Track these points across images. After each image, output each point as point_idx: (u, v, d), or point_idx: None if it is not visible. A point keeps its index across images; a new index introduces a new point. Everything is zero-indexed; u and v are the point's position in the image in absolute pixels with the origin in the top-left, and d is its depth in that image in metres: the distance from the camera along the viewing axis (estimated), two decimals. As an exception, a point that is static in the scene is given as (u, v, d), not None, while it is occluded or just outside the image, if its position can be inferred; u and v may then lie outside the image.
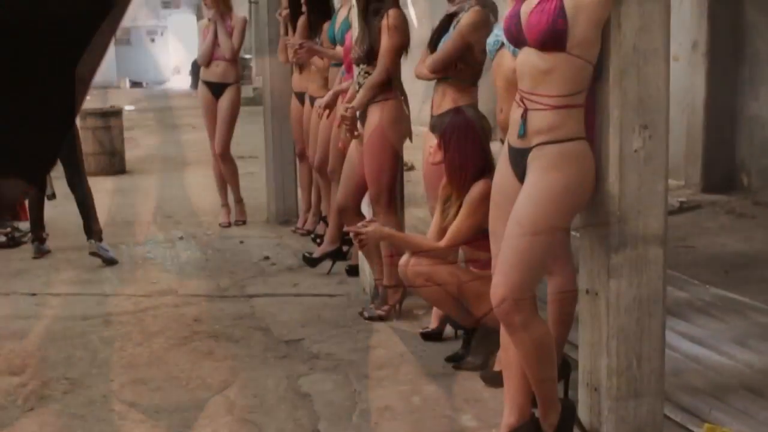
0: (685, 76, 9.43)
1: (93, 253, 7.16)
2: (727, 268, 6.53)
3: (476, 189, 4.43)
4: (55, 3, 1.08)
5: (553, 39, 3.23)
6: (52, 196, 7.89)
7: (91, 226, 7.24)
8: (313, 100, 7.15)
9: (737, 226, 7.94)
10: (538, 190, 3.28)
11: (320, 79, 7.20)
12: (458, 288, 4.57)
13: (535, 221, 3.27)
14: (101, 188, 10.53)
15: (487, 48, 4.25)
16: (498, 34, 4.03)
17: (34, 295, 6.43)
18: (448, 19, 4.97)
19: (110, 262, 7.17)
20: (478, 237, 4.38)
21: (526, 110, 3.33)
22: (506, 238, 3.35)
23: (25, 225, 7.97)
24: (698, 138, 9.32)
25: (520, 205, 3.31)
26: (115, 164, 11.89)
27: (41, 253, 7.48)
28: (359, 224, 4.83)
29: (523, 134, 3.34)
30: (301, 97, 7.76)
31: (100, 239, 7.24)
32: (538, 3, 3.30)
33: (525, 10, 3.37)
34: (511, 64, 3.80)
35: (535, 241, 3.29)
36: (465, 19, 4.83)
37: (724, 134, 9.25)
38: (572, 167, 3.28)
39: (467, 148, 4.50)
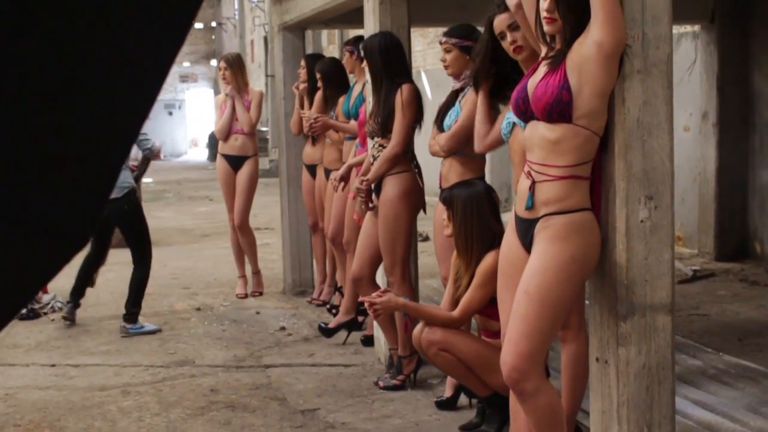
0: (697, 146, 9.55)
1: (126, 335, 7.28)
2: (741, 335, 6.56)
3: (488, 260, 4.52)
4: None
5: (558, 110, 3.33)
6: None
7: (130, 307, 7.36)
8: (328, 172, 7.29)
9: (750, 294, 7.98)
10: (546, 260, 3.37)
11: (335, 152, 7.34)
12: (472, 357, 4.63)
13: (543, 291, 3.36)
14: (119, 260, 10.63)
15: (502, 133, 4.36)
16: (509, 117, 4.14)
17: (53, 366, 6.51)
18: (454, 95, 5.11)
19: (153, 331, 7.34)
20: (491, 307, 4.45)
21: (533, 182, 3.43)
22: (514, 307, 3.43)
23: (45, 297, 8.08)
24: (711, 207, 9.40)
25: (527, 275, 3.40)
26: (134, 236, 11.99)
27: (71, 318, 7.56)
28: (374, 294, 4.91)
29: (531, 206, 3.44)
30: (311, 169, 7.90)
31: (132, 321, 7.34)
32: (544, 76, 3.42)
33: (531, 83, 3.48)
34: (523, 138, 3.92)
35: (542, 310, 3.37)
36: (471, 94, 4.95)
37: (736, 203, 9.34)
38: (579, 238, 3.37)
39: (474, 221, 4.60)
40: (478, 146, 4.63)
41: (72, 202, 1.09)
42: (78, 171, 1.07)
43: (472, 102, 4.93)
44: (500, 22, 4.06)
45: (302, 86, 7.86)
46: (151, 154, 7.60)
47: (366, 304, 4.85)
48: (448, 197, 4.71)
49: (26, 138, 1.01)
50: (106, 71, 1.03)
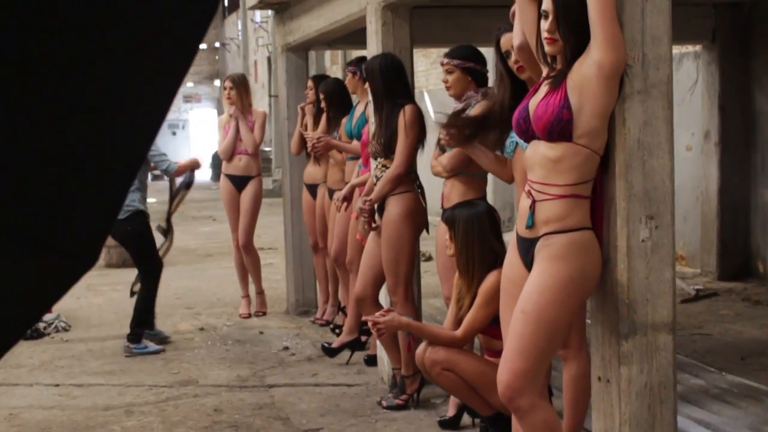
0: (699, 166, 9.58)
1: (129, 354, 7.31)
2: (744, 355, 6.57)
3: (490, 279, 4.53)
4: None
5: (559, 129, 3.36)
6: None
7: (135, 327, 7.39)
8: (331, 192, 7.32)
9: (753, 313, 7.98)
10: (543, 279, 3.39)
11: (339, 172, 7.37)
12: (475, 376, 4.64)
13: (539, 310, 3.38)
14: (123, 280, 10.66)
15: (505, 152, 4.39)
16: (512, 136, 4.17)
17: (57, 385, 6.52)
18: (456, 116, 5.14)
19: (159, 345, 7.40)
20: (493, 326, 4.47)
21: (534, 201, 3.46)
22: (511, 325, 3.46)
23: (49, 316, 8.09)
24: (713, 226, 9.41)
25: (525, 294, 3.42)
26: (137, 256, 12.02)
27: (162, 341, 7.64)
28: (377, 314, 4.92)
29: (531, 225, 3.46)
30: (312, 189, 7.94)
31: (136, 341, 7.36)
32: (544, 96, 3.45)
33: (532, 103, 3.52)
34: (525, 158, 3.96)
35: (538, 329, 3.40)
36: (473, 114, 4.98)
37: (738, 222, 9.35)
38: (578, 257, 3.39)
39: (475, 241, 4.62)
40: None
41: (80, 222, 1.10)
42: (86, 192, 1.08)
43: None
44: (506, 41, 4.10)
45: (309, 107, 7.89)
46: (169, 174, 7.62)
47: (369, 324, 4.87)
48: (449, 218, 4.74)
49: (35, 160, 1.03)
50: (114, 94, 1.05)
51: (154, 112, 1.10)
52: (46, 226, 1.08)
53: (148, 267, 7.48)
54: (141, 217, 7.32)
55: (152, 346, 7.41)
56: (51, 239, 1.09)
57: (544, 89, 3.49)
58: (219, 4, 1.13)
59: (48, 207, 1.07)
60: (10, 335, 1.20)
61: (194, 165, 8.02)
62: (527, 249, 3.51)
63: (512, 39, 3.91)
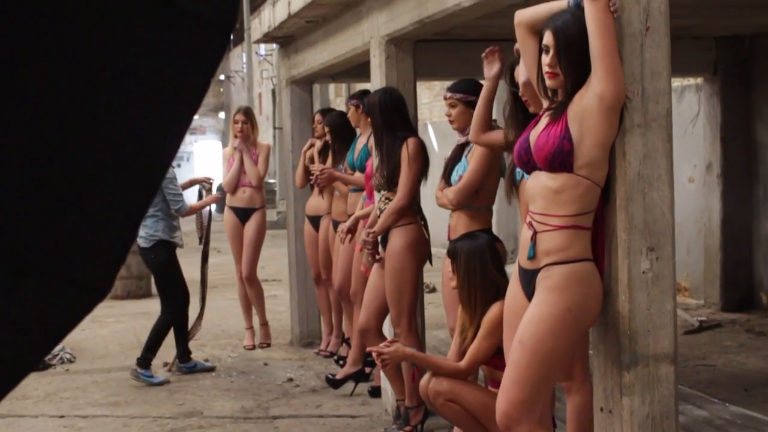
0: (701, 197, 9.62)
1: (135, 378, 7.38)
2: (747, 386, 6.57)
3: (493, 311, 4.56)
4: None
5: (560, 159, 3.40)
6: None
7: (145, 352, 7.46)
8: (336, 224, 7.35)
9: (757, 344, 7.99)
10: (542, 309, 3.42)
11: (343, 204, 7.42)
12: (478, 407, 4.65)
13: (536, 340, 3.41)
14: (128, 312, 10.70)
15: (515, 179, 4.43)
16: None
17: (62, 417, 6.54)
18: (460, 149, 5.19)
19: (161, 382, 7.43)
20: (497, 357, 4.49)
21: (535, 232, 3.49)
22: (510, 355, 3.50)
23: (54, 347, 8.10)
24: (716, 257, 9.43)
25: (523, 324, 3.46)
26: (143, 288, 12.07)
27: (206, 369, 7.74)
28: (381, 345, 4.95)
29: (532, 256, 3.50)
30: (314, 221, 7.98)
31: (144, 366, 7.41)
32: (545, 127, 3.50)
33: (533, 135, 3.56)
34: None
35: (534, 359, 3.43)
36: (477, 148, 5.03)
37: (741, 253, 9.38)
38: (577, 289, 3.42)
39: (477, 274, 4.65)
40: (473, 136, 4.72)
41: (93, 253, 1.11)
42: (99, 223, 1.10)
43: (479, 156, 5.00)
44: (519, 71, 4.14)
45: (318, 143, 7.95)
46: (179, 214, 7.67)
47: (374, 354, 4.89)
48: (452, 250, 4.78)
49: (49, 190, 1.04)
50: (128, 127, 1.08)
51: (166, 145, 1.13)
52: (59, 257, 1.08)
53: (170, 296, 7.59)
54: (165, 246, 7.44)
55: (158, 377, 7.43)
56: (64, 269, 1.09)
57: (544, 121, 3.54)
58: (230, 41, 1.17)
59: (61, 237, 1.08)
60: (23, 366, 1.20)
61: (208, 203, 8.07)
62: (529, 280, 3.54)
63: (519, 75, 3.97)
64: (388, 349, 4.82)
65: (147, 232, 7.35)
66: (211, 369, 7.73)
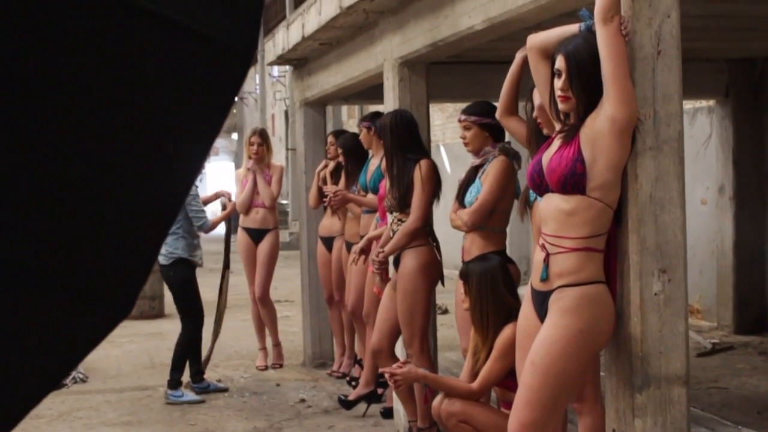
0: (714, 220, 9.61)
1: (168, 401, 7.44)
2: (760, 409, 6.56)
3: (506, 332, 4.58)
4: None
5: (573, 182, 3.43)
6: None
7: (172, 372, 7.53)
8: (349, 245, 7.38)
9: (770, 367, 7.97)
10: (554, 331, 3.44)
11: (357, 225, 7.44)
12: (490, 428, 4.66)
13: (548, 362, 3.43)
14: (141, 331, 10.73)
15: (530, 199, 4.46)
16: None
17: (75, 437, 6.56)
18: (474, 171, 5.22)
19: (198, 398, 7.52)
20: (510, 379, 4.49)
21: (548, 254, 3.51)
22: (522, 376, 3.52)
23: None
24: (729, 280, 9.42)
25: (536, 345, 3.47)
26: (156, 308, 12.10)
27: (218, 390, 7.77)
28: (394, 365, 4.96)
29: (545, 278, 3.51)
30: (327, 241, 8.01)
31: (173, 386, 7.49)
32: (558, 149, 3.52)
33: (546, 157, 3.59)
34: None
35: (546, 381, 3.44)
36: (491, 169, 5.06)
37: (754, 275, 9.36)
38: (590, 311, 3.44)
39: (489, 296, 4.67)
40: (498, 113, 4.74)
41: (116, 271, 1.13)
42: (122, 241, 1.11)
43: (493, 177, 5.03)
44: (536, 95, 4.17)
45: (331, 164, 8.00)
46: (202, 230, 7.73)
47: (386, 375, 4.91)
48: (464, 272, 4.80)
49: (72, 208, 1.06)
50: (152, 150, 1.10)
51: (188, 167, 1.16)
52: (81, 275, 1.10)
53: (189, 314, 7.66)
54: (185, 264, 7.51)
55: (189, 395, 7.54)
56: (86, 288, 1.11)
57: (557, 143, 3.56)
58: (249, 67, 1.20)
59: (84, 256, 1.09)
60: (45, 384, 1.21)
61: (228, 215, 8.13)
62: (541, 302, 3.56)
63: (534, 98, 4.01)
64: (401, 370, 4.83)
65: (167, 250, 7.41)
66: (224, 390, 7.75)
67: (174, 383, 7.48)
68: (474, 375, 4.74)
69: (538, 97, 3.92)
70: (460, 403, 4.67)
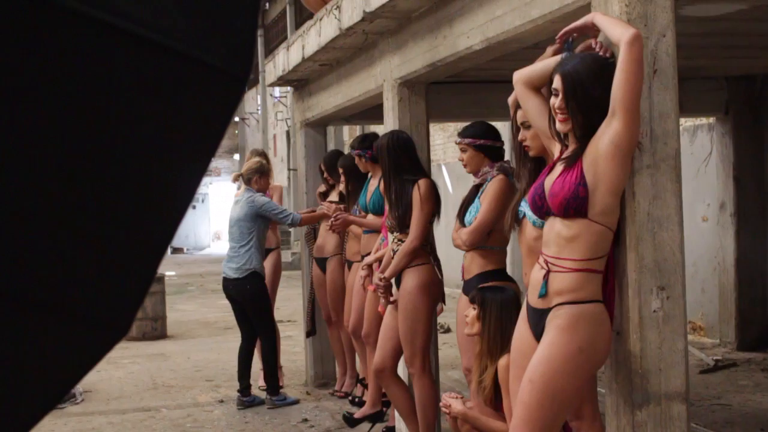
0: (715, 237, 9.63)
1: (273, 407, 7.80)
2: (763, 425, 6.55)
3: (503, 363, 4.52)
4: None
5: (575, 206, 3.44)
6: (312, 332, 8.50)
7: (268, 380, 7.92)
8: (350, 264, 7.39)
9: (773, 383, 7.96)
10: (552, 349, 3.45)
11: (357, 245, 7.45)
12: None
13: (546, 380, 3.44)
14: (143, 353, 10.74)
15: (519, 211, 4.47)
16: (522, 205, 4.25)
17: (78, 459, 6.56)
18: (475, 190, 5.24)
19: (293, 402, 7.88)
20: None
21: (548, 272, 3.53)
22: (519, 394, 3.52)
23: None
24: (731, 296, 9.43)
25: (533, 363, 3.48)
26: (158, 329, 12.11)
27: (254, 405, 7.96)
28: (448, 394, 4.92)
29: (544, 294, 3.53)
30: (320, 262, 8.06)
31: (274, 392, 7.86)
32: (560, 174, 3.53)
33: (548, 181, 3.60)
34: (532, 233, 4.05)
35: (544, 399, 3.45)
36: (490, 189, 5.08)
37: (756, 292, 9.37)
38: (587, 329, 3.45)
39: (508, 327, 4.57)
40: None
41: (112, 292, 1.13)
42: (118, 263, 1.12)
43: (491, 197, 5.05)
44: (520, 116, 4.17)
45: (323, 186, 8.03)
46: (295, 225, 7.97)
47: (441, 404, 4.91)
48: (479, 298, 4.72)
49: (68, 230, 1.07)
50: (149, 170, 1.12)
51: (185, 189, 1.17)
52: (77, 296, 1.10)
53: (267, 324, 7.92)
54: (257, 277, 7.75)
55: (291, 398, 7.92)
56: (82, 309, 1.11)
57: (559, 167, 3.57)
58: (245, 91, 1.22)
59: (79, 277, 1.10)
60: (42, 406, 1.22)
61: (320, 215, 7.99)
62: (538, 320, 3.57)
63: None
64: (453, 401, 4.79)
65: (239, 264, 7.65)
66: (295, 402, 7.97)
67: (274, 389, 7.84)
68: (483, 399, 4.68)
69: (521, 117, 3.96)
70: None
